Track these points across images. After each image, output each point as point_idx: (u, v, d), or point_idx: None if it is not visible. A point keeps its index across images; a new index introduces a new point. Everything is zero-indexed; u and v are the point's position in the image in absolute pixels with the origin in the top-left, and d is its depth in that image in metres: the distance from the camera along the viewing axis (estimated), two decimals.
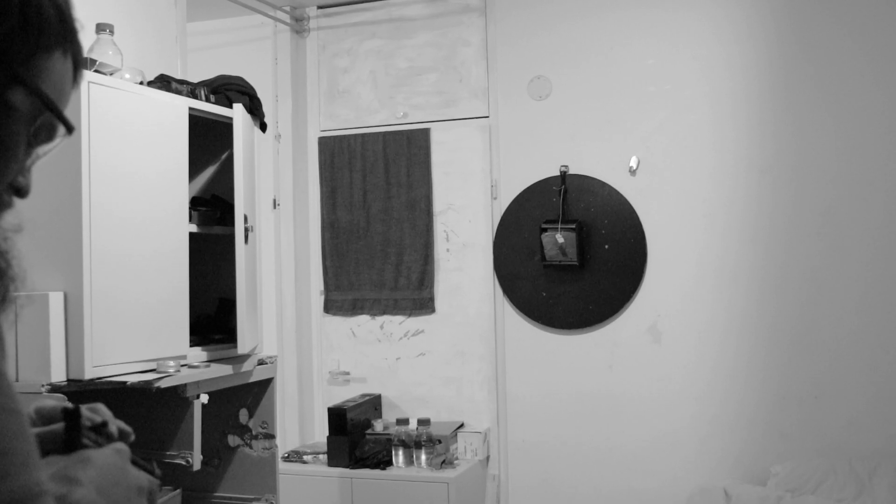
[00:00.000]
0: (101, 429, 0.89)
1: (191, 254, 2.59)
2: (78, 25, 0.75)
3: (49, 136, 0.74)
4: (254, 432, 2.88)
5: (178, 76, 2.91)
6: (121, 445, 0.88)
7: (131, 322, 2.35)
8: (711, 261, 3.79)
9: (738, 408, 3.75)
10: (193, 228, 2.67)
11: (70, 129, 0.74)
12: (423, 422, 3.87)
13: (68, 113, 0.74)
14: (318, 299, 4.39)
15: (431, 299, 4.19)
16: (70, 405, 0.88)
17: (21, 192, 0.73)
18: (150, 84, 2.55)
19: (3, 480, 0.62)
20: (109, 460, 0.83)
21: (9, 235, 0.70)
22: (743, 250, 3.75)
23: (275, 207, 4.31)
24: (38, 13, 0.69)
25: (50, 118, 0.72)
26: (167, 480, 2.71)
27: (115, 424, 0.92)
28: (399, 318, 4.25)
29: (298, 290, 4.35)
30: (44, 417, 0.89)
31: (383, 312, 4.27)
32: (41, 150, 0.74)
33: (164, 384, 2.32)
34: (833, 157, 3.65)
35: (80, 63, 0.76)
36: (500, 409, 4.09)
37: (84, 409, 0.89)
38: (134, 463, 0.89)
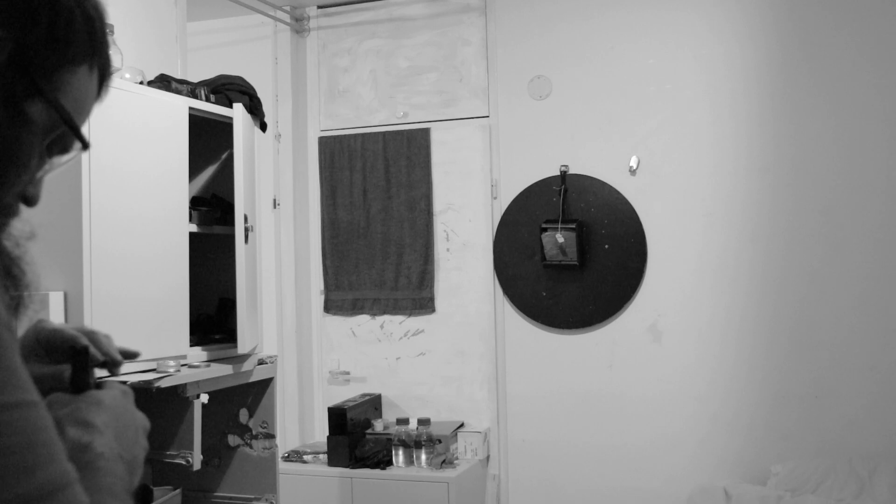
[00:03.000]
0: (105, 366, 0.89)
1: (191, 254, 2.59)
2: (109, 39, 0.74)
3: (64, 149, 0.73)
4: (254, 432, 2.88)
5: (178, 76, 2.91)
6: (126, 387, 0.87)
7: (131, 322, 2.35)
8: (711, 261, 3.79)
9: (738, 408, 3.75)
10: (193, 228, 2.67)
11: (86, 145, 0.73)
12: (423, 421, 3.87)
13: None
14: (318, 299, 4.39)
15: (431, 299, 4.19)
16: (79, 345, 0.87)
17: (30, 201, 0.72)
18: (150, 84, 2.55)
19: (33, 474, 0.62)
20: (118, 402, 0.82)
21: (21, 242, 0.70)
22: (743, 250, 3.75)
23: (275, 207, 4.31)
24: (68, 27, 0.68)
25: (66, 132, 0.71)
26: (167, 480, 2.71)
27: (114, 350, 0.91)
28: (399, 318, 4.25)
29: (298, 289, 4.35)
30: (43, 343, 0.88)
31: (383, 312, 4.27)
32: (55, 161, 0.74)
33: (164, 384, 2.31)
34: (833, 157, 3.65)
35: (106, 77, 0.75)
36: (500, 409, 4.09)
37: (88, 342, 0.89)
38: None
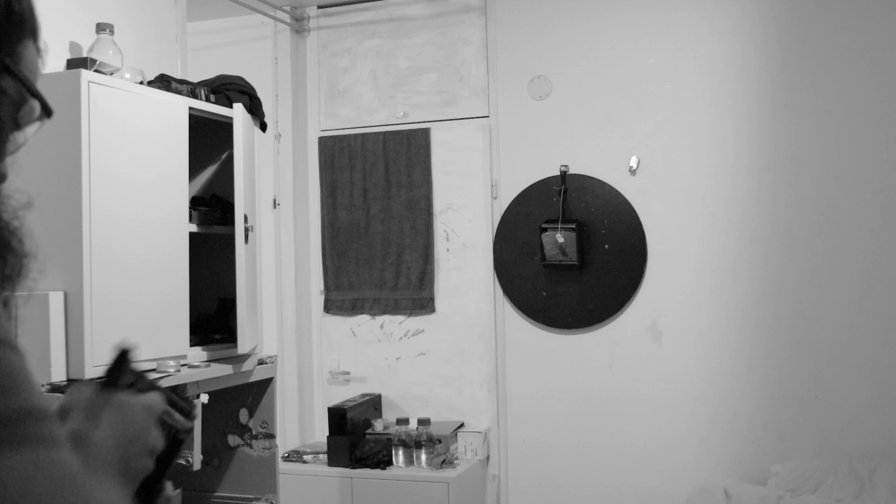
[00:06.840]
0: (142, 377, 0.92)
1: (191, 254, 2.59)
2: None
3: (28, 119, 0.77)
4: (254, 432, 2.88)
5: (178, 76, 2.91)
6: (153, 402, 0.90)
7: (131, 322, 2.35)
8: (711, 261, 3.79)
9: (738, 408, 3.75)
10: (193, 228, 2.68)
11: (49, 112, 0.77)
12: (423, 421, 3.87)
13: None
14: (318, 299, 4.39)
15: (431, 299, 4.18)
16: (127, 346, 0.92)
17: (2, 178, 0.75)
18: (150, 84, 2.55)
19: (16, 396, 0.63)
20: (138, 416, 0.86)
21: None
22: (743, 250, 3.75)
23: (275, 207, 4.31)
24: (20, 5, 0.74)
25: (32, 104, 0.76)
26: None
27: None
28: (399, 318, 4.25)
29: (298, 290, 4.35)
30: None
31: (383, 312, 4.27)
32: (23, 135, 0.77)
33: (164, 384, 2.31)
34: (833, 156, 3.65)
35: (41, 51, 0.80)
36: (500, 409, 4.09)
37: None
38: (171, 403, 0.94)
